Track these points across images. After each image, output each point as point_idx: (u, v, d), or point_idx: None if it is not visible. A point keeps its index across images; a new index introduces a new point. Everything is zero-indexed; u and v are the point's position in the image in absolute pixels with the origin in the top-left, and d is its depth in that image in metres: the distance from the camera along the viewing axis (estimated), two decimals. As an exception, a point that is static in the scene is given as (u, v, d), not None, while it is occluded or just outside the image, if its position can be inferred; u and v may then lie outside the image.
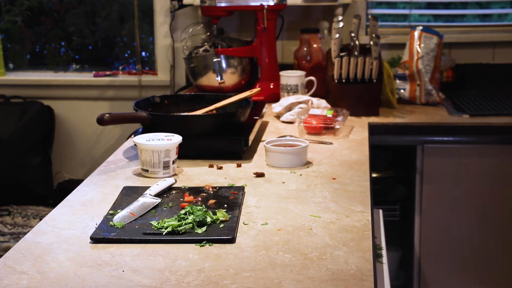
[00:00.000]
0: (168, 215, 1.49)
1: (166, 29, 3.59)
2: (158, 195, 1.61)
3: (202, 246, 1.35)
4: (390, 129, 2.56)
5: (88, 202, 1.61)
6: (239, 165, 1.88)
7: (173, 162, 1.80)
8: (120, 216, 1.47)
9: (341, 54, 2.59)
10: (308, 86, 2.70)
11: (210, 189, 1.66)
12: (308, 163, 1.90)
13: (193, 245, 1.35)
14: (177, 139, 1.81)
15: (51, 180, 3.96)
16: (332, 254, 1.31)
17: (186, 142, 1.84)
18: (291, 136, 2.08)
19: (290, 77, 2.66)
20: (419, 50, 2.75)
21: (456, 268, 2.63)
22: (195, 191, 1.66)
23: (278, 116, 2.47)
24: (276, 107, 2.49)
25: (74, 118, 3.91)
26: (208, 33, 3.06)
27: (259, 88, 2.25)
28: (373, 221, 1.51)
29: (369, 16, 2.82)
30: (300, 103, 2.43)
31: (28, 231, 1.44)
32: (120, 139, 3.74)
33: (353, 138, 2.22)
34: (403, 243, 2.80)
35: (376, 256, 1.45)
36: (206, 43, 2.93)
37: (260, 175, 1.80)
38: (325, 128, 2.23)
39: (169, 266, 1.26)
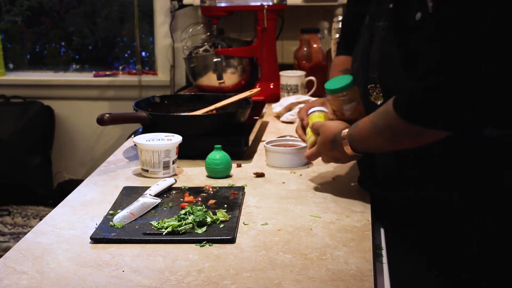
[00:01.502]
0: (168, 215, 1.49)
1: (166, 29, 3.59)
2: (158, 195, 1.61)
3: (202, 246, 1.35)
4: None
5: (88, 202, 1.61)
6: (239, 165, 1.88)
7: (173, 162, 1.80)
8: (120, 216, 1.47)
9: (341, 54, 2.59)
10: (308, 86, 2.70)
11: (210, 189, 1.66)
12: (308, 163, 1.90)
13: (193, 245, 1.35)
14: (177, 139, 1.81)
15: (51, 180, 3.96)
16: (332, 254, 1.31)
17: (186, 142, 1.84)
18: (291, 136, 2.08)
19: (290, 77, 2.66)
20: (419, 50, 2.75)
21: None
22: (195, 191, 1.66)
23: (278, 116, 2.46)
24: (276, 107, 2.49)
25: (74, 118, 3.92)
26: (208, 33, 3.06)
27: (259, 88, 2.25)
28: (373, 221, 1.51)
29: (369, 16, 2.82)
30: (300, 103, 2.43)
31: (28, 231, 1.44)
32: (120, 139, 3.74)
33: (353, 138, 2.21)
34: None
35: (376, 256, 1.45)
36: (206, 43, 2.93)
37: (260, 175, 1.80)
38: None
39: (169, 266, 1.26)
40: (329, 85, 1.64)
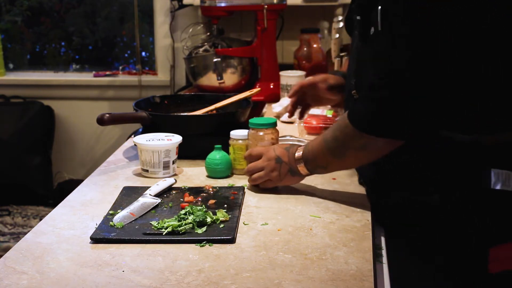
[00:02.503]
0: (168, 215, 1.49)
1: (166, 29, 3.59)
2: (158, 195, 1.61)
3: (202, 246, 1.35)
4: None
5: (88, 202, 1.61)
6: (239, 165, 1.88)
7: (173, 162, 1.80)
8: (120, 216, 1.47)
9: (341, 54, 2.59)
10: (308, 86, 2.70)
11: (210, 189, 1.66)
12: (308, 163, 1.89)
13: (193, 245, 1.35)
14: (177, 139, 1.81)
15: (51, 180, 3.96)
16: (332, 254, 1.31)
17: (186, 142, 1.84)
18: (291, 136, 2.08)
19: (290, 77, 2.66)
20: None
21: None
22: (195, 191, 1.66)
23: (278, 116, 2.46)
24: (276, 107, 2.49)
25: (74, 118, 3.92)
26: (208, 33, 3.06)
27: (259, 88, 2.25)
28: (373, 221, 1.51)
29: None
30: (300, 103, 2.43)
31: (28, 231, 1.44)
32: (120, 139, 3.74)
33: (353, 138, 2.21)
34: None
35: (376, 256, 1.45)
36: (206, 43, 2.93)
37: (260, 175, 1.80)
38: (325, 128, 2.23)
39: (169, 266, 1.26)
40: (254, 120, 1.77)
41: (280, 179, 1.62)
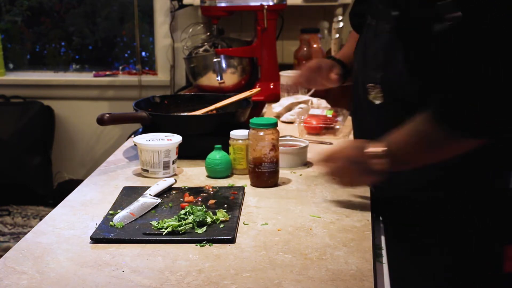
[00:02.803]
0: (168, 215, 1.49)
1: (166, 29, 3.59)
2: (158, 195, 1.61)
3: (202, 246, 1.35)
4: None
5: (88, 202, 1.61)
6: (239, 165, 1.88)
7: (173, 162, 1.80)
8: (120, 216, 1.47)
9: (341, 54, 2.59)
10: (308, 86, 2.70)
11: (210, 189, 1.66)
12: (308, 163, 1.90)
13: (193, 245, 1.35)
14: (177, 139, 1.81)
15: (51, 180, 3.96)
16: (332, 254, 1.31)
17: (186, 142, 1.84)
18: (291, 136, 2.08)
19: (290, 77, 2.66)
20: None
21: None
22: (195, 191, 1.66)
23: (278, 116, 2.46)
24: (276, 107, 2.49)
25: (74, 118, 3.92)
26: (208, 33, 3.06)
27: (259, 88, 2.25)
28: (373, 221, 1.51)
29: (369, 16, 2.82)
30: (300, 103, 2.43)
31: (28, 231, 1.44)
32: (120, 139, 3.74)
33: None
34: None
35: (376, 256, 1.45)
36: (206, 43, 2.93)
37: (260, 175, 1.80)
38: (325, 128, 2.23)
39: (169, 266, 1.26)
40: (255, 120, 1.72)
41: (356, 177, 1.51)
